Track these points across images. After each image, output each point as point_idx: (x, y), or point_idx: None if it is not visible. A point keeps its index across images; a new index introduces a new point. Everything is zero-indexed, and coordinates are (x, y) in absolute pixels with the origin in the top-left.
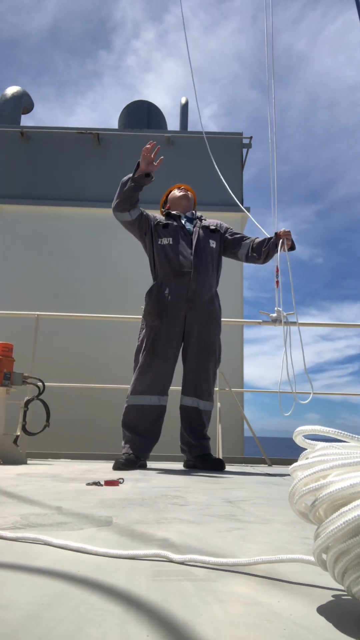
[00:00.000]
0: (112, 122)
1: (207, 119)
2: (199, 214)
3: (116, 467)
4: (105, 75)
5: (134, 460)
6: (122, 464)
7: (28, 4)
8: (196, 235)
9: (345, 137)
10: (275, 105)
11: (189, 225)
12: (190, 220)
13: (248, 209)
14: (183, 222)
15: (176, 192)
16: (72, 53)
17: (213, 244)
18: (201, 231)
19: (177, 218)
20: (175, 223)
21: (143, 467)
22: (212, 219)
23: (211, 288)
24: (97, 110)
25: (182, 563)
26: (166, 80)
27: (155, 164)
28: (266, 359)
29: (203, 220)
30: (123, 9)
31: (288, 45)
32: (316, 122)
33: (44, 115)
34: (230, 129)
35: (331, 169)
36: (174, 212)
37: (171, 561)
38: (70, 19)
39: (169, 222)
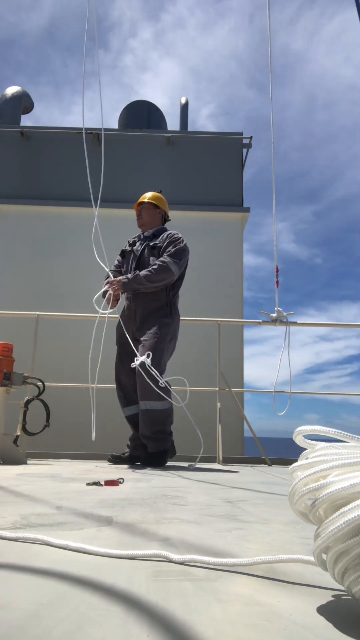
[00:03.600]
0: (109, 121)
1: (205, 119)
2: (151, 231)
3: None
4: (103, 74)
5: None
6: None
7: (26, 3)
8: (139, 256)
9: (344, 137)
10: (274, 105)
11: (139, 247)
12: (145, 240)
13: (248, 209)
14: (137, 244)
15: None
16: (69, 52)
17: (153, 260)
18: (146, 250)
19: (137, 242)
20: (130, 249)
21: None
22: (170, 232)
23: (147, 305)
24: (94, 110)
25: (182, 563)
26: (163, 79)
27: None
28: (266, 359)
29: (156, 239)
30: (120, 8)
31: (285, 44)
32: (314, 122)
33: (42, 114)
34: (228, 128)
35: (329, 169)
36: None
37: (171, 561)
38: (67, 18)
39: (126, 249)
